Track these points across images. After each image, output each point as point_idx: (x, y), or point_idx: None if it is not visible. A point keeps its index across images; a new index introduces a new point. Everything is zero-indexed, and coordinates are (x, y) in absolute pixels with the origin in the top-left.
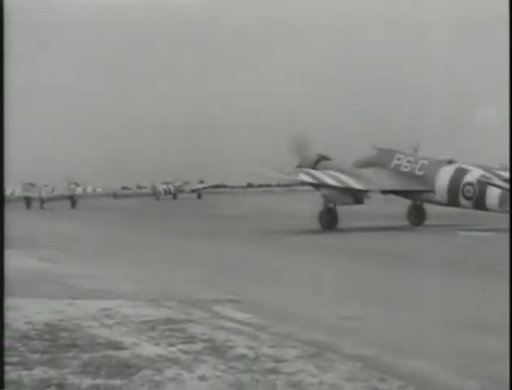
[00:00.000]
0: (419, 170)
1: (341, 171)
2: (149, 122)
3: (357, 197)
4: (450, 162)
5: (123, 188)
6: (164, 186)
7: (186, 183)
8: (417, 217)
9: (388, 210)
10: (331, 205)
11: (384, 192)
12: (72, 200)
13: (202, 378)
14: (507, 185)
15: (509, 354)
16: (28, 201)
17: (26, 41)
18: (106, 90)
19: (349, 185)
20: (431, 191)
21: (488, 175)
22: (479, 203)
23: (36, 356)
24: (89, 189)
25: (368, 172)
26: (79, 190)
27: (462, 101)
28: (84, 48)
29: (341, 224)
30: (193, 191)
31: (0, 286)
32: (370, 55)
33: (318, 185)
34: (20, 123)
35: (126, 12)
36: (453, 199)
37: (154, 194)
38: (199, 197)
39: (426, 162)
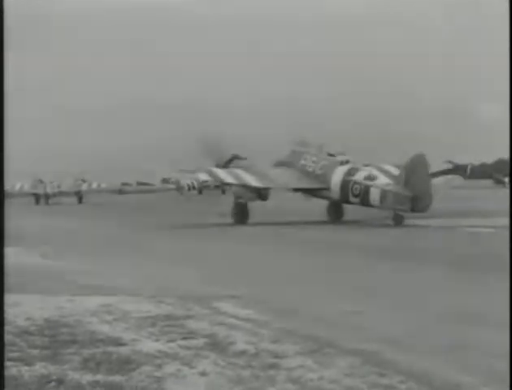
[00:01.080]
0: (320, 169)
1: (247, 170)
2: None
3: (261, 193)
4: (347, 162)
5: (123, 184)
6: (188, 181)
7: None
8: (335, 213)
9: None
10: (241, 201)
11: (296, 189)
12: (79, 195)
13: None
14: (385, 186)
15: (509, 353)
16: (37, 197)
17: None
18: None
19: (246, 183)
20: (328, 189)
21: (373, 174)
22: (365, 200)
23: (37, 352)
24: (94, 185)
25: (276, 171)
26: (84, 186)
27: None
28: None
29: (257, 219)
30: (216, 186)
31: (0, 282)
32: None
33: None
34: (33, 119)
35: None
36: (344, 196)
37: (178, 189)
38: (223, 192)
39: (326, 162)
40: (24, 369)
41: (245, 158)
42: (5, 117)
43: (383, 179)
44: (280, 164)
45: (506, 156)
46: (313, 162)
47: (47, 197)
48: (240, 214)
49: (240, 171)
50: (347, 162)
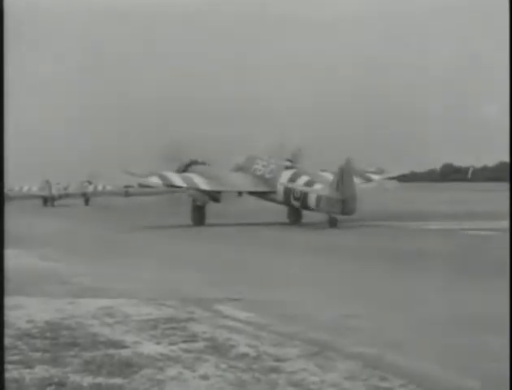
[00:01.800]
0: (269, 173)
1: (201, 174)
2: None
3: (214, 196)
4: (292, 167)
5: (126, 186)
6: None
7: None
8: (294, 216)
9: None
10: (199, 204)
11: (252, 193)
12: (85, 197)
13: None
14: (320, 190)
15: (509, 355)
16: (44, 198)
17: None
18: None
19: (196, 186)
20: (275, 192)
21: (312, 180)
22: (304, 204)
23: (38, 354)
24: (100, 187)
25: (231, 175)
26: (90, 188)
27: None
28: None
29: (216, 221)
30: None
31: (0, 285)
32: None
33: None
34: (44, 121)
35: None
36: (287, 199)
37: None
38: (240, 194)
39: (274, 166)
40: (25, 371)
41: (204, 163)
42: (5, 118)
43: (319, 185)
44: (238, 169)
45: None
46: (263, 166)
47: (53, 199)
48: (198, 216)
49: (193, 175)
50: (292, 167)
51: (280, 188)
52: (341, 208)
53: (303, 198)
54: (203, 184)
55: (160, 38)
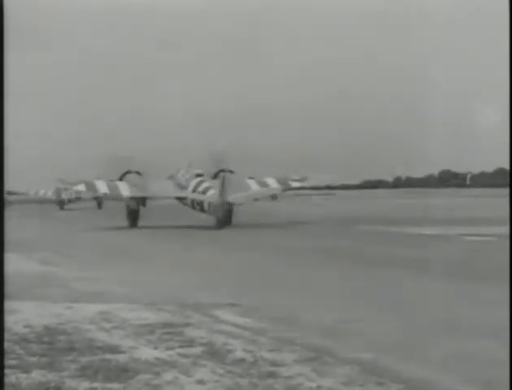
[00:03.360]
0: (185, 181)
1: (129, 182)
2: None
3: (138, 202)
4: (201, 175)
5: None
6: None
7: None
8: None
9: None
10: (132, 207)
11: (177, 198)
12: (98, 201)
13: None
14: (210, 197)
15: (509, 358)
16: (60, 202)
17: None
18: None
19: (119, 192)
20: (186, 198)
21: (208, 186)
22: (202, 208)
23: (35, 359)
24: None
25: (158, 183)
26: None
27: None
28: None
29: (149, 223)
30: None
31: (0, 292)
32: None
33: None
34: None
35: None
36: (192, 204)
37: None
38: (274, 198)
39: (188, 175)
40: (22, 376)
41: (138, 173)
42: (5, 118)
43: (212, 191)
44: (169, 178)
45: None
46: (182, 175)
47: (62, 202)
48: (131, 219)
49: (120, 183)
50: (201, 175)
51: (188, 194)
52: (222, 212)
53: (201, 204)
54: (125, 191)
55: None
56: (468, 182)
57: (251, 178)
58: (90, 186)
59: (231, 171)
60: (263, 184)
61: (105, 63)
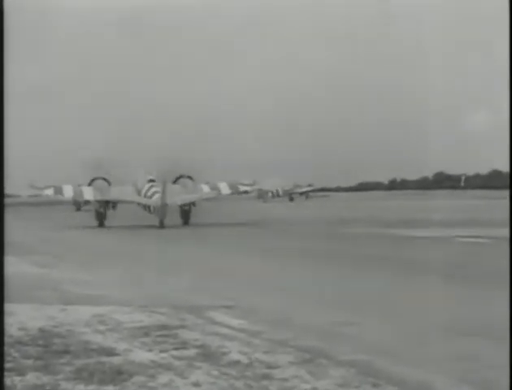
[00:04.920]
0: (141, 186)
1: (94, 187)
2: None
3: (113, 205)
4: (153, 180)
5: None
6: (272, 189)
7: (297, 186)
8: (182, 217)
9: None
10: (99, 209)
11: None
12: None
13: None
14: (155, 200)
15: (509, 360)
16: (76, 203)
17: None
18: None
19: (82, 196)
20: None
21: (155, 190)
22: (149, 211)
23: (30, 362)
24: None
25: (119, 188)
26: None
27: None
28: None
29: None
30: (301, 194)
31: (0, 293)
32: None
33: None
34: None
35: None
36: (143, 207)
37: (261, 196)
38: (307, 198)
39: (143, 180)
40: (17, 379)
41: (105, 179)
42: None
43: (157, 195)
44: (132, 184)
45: (501, 167)
46: (139, 181)
47: (78, 203)
48: (99, 219)
49: (85, 188)
50: (153, 180)
51: (135, 199)
52: (163, 213)
53: (149, 207)
54: (89, 195)
55: None
56: (462, 184)
57: (206, 183)
58: (58, 190)
59: (190, 177)
60: (215, 188)
61: None
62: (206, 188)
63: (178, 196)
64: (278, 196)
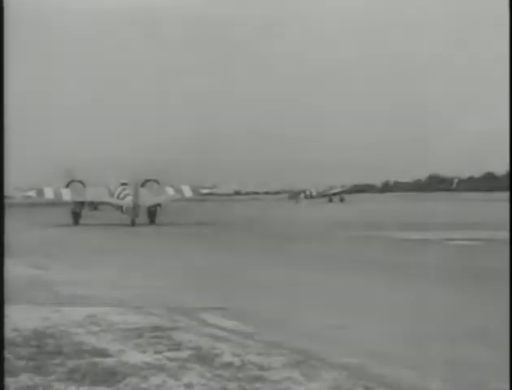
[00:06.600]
0: (114, 189)
1: (70, 188)
2: None
3: (78, 206)
4: (125, 184)
5: None
6: (306, 190)
7: (331, 187)
8: (149, 217)
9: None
10: (76, 210)
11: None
12: (94, 205)
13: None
14: (128, 201)
15: (509, 363)
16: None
17: None
18: None
19: (60, 197)
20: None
21: (126, 193)
22: (122, 210)
23: (22, 363)
24: None
25: (94, 190)
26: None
27: None
28: None
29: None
30: (333, 194)
31: (0, 294)
32: None
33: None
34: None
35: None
36: (117, 208)
37: (293, 197)
38: (342, 200)
39: (116, 184)
40: (10, 380)
41: (81, 182)
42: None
43: (128, 197)
44: (105, 186)
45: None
46: (112, 184)
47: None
48: (74, 218)
49: (63, 190)
50: (125, 183)
51: (108, 200)
52: (134, 213)
53: (121, 207)
54: (67, 196)
55: None
56: (454, 186)
57: (171, 186)
58: (39, 192)
59: (156, 181)
60: (178, 191)
61: None
62: (170, 191)
63: (146, 198)
64: (311, 197)
